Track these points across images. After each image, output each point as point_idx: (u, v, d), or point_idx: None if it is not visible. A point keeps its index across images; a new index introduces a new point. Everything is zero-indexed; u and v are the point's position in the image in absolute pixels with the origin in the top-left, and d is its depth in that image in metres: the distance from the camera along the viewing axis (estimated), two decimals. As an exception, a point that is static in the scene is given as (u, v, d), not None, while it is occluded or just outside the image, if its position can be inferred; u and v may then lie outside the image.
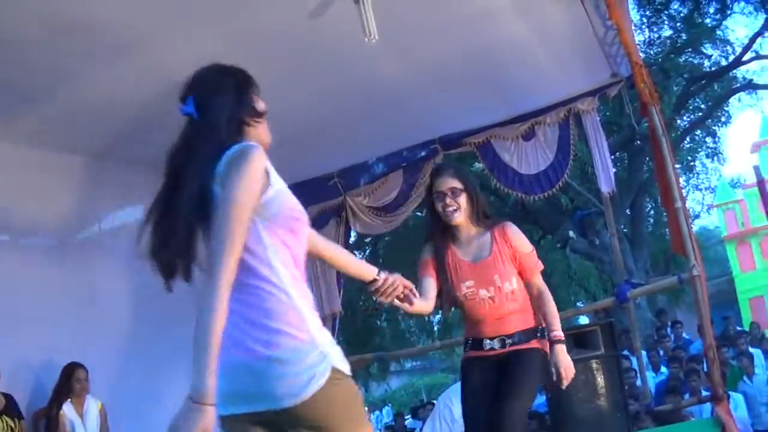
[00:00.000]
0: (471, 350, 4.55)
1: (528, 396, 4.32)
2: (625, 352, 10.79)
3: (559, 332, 4.32)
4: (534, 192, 8.97)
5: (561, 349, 4.28)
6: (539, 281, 4.46)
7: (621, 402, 7.58)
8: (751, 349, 12.95)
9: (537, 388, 4.53)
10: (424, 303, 4.29)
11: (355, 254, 22.16)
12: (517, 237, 4.44)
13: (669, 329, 15.46)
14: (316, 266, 9.69)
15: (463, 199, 4.38)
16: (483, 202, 4.53)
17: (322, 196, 9.71)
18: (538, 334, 4.47)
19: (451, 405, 8.52)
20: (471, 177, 4.54)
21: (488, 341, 4.41)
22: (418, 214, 19.90)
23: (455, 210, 4.37)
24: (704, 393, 9.23)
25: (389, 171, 9.58)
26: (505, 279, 4.38)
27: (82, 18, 5.53)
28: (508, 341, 4.37)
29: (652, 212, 25.97)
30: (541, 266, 4.51)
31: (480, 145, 9.09)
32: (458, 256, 4.49)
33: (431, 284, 4.49)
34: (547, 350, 4.43)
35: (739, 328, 16.48)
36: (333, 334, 9.31)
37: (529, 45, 7.55)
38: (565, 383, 4.28)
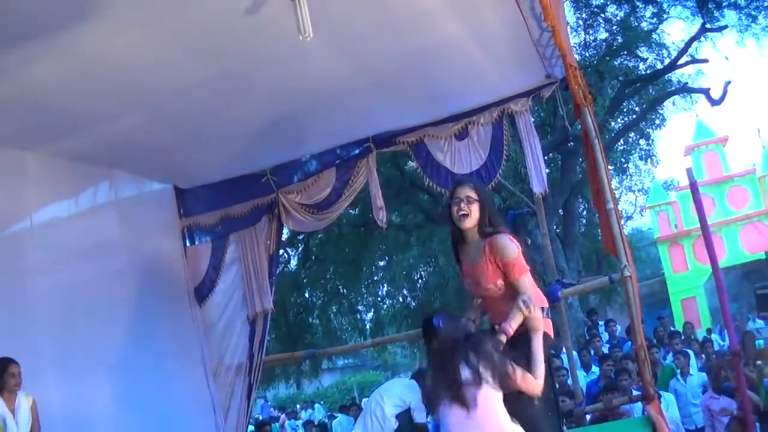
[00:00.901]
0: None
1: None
2: (553, 352, 10.86)
3: (507, 325, 4.83)
4: (467, 191, 8.96)
5: (500, 339, 4.77)
6: (519, 283, 5.03)
7: (553, 401, 7.59)
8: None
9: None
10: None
11: (287, 252, 22.12)
12: (500, 247, 5.04)
13: (603, 328, 15.64)
14: (248, 264, 9.65)
15: (474, 208, 4.98)
16: (494, 217, 5.18)
17: (255, 193, 9.65)
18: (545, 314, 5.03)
19: (382, 403, 8.45)
20: (489, 194, 5.29)
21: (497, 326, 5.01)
22: (351, 212, 19.94)
23: (466, 215, 4.99)
24: (635, 392, 9.33)
25: (322, 169, 9.52)
26: (491, 281, 5.05)
27: (4, 7, 5.41)
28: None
29: (585, 213, 26.24)
30: (522, 269, 5.07)
31: (413, 144, 9.07)
32: (463, 256, 5.22)
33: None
34: (549, 331, 5.03)
35: (672, 329, 16.73)
36: (265, 332, 9.34)
37: (464, 45, 7.56)
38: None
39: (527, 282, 5.05)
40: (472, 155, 8.87)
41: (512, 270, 5.01)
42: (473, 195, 5.00)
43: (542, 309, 5.02)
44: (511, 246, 5.05)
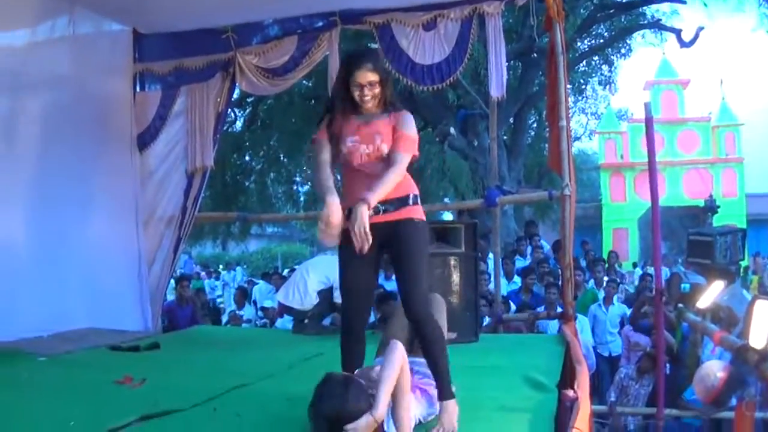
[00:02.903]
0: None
1: (424, 278, 4.43)
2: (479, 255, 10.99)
3: (371, 194, 4.27)
4: (424, 83, 8.95)
5: (362, 210, 4.19)
6: (400, 158, 4.46)
7: (473, 302, 7.74)
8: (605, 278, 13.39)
9: (426, 262, 4.54)
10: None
11: (234, 113, 21.95)
12: (405, 119, 4.57)
13: (528, 242, 15.80)
14: (195, 118, 9.58)
15: (378, 91, 4.51)
16: (392, 91, 4.66)
17: (213, 48, 9.53)
18: (410, 202, 4.53)
19: (306, 277, 8.56)
20: (386, 67, 4.75)
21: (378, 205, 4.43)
22: (305, 82, 19.78)
23: (370, 99, 4.52)
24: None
25: (284, 35, 9.41)
26: (385, 141, 4.50)
27: None
28: (382, 208, 4.39)
29: (535, 126, 26.29)
30: (410, 149, 4.54)
31: (380, 26, 8.98)
32: (352, 119, 4.61)
33: (327, 147, 4.69)
34: (423, 218, 4.59)
35: (594, 255, 16.97)
36: (201, 189, 9.33)
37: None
38: (358, 246, 4.19)
39: (405, 163, 4.50)
40: (435, 48, 8.82)
41: (403, 142, 4.51)
42: (375, 78, 4.50)
43: (416, 196, 4.61)
44: (414, 125, 4.64)
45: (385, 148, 4.47)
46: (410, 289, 4.33)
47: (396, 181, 4.39)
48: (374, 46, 9.11)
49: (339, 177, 5.14)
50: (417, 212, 4.54)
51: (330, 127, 4.65)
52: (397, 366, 3.91)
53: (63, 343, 7.45)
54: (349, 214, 4.29)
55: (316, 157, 4.67)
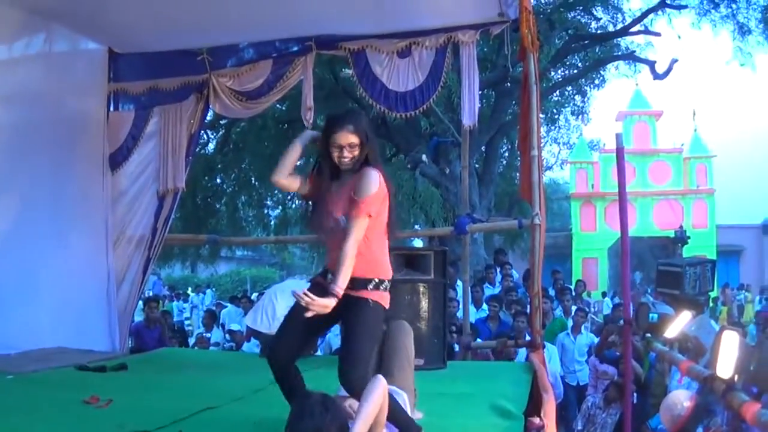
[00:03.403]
0: (319, 276, 4.65)
1: (365, 359, 4.33)
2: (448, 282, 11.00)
3: (337, 287, 4.23)
4: (397, 109, 8.99)
5: (329, 303, 4.18)
6: (351, 225, 4.36)
7: (441, 329, 7.74)
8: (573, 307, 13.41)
9: (373, 344, 4.48)
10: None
11: (207, 134, 21.92)
12: (361, 180, 4.42)
13: (498, 270, 15.83)
14: (167, 139, 9.58)
15: (357, 151, 4.46)
16: (374, 153, 4.57)
17: (188, 70, 9.55)
18: (371, 286, 4.43)
19: (275, 301, 8.55)
20: (368, 127, 4.58)
21: (330, 275, 4.41)
22: (279, 106, 19.81)
23: (349, 161, 4.47)
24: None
25: (259, 58, 9.46)
26: (341, 212, 4.46)
27: None
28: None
29: (506, 155, 26.42)
30: (363, 211, 4.37)
31: (354, 52, 9.04)
32: (332, 188, 4.57)
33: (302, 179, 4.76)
34: (382, 302, 4.49)
35: (563, 284, 17.01)
36: (172, 210, 9.31)
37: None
38: (307, 308, 4.15)
39: (359, 228, 4.37)
40: (410, 75, 8.88)
41: (353, 206, 4.38)
42: (356, 140, 4.43)
43: (381, 281, 4.50)
44: (373, 182, 4.41)
45: (343, 222, 4.45)
46: (347, 369, 4.24)
47: (351, 253, 4.30)
48: (349, 71, 9.14)
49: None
50: (375, 295, 4.45)
51: (316, 176, 4.70)
52: (377, 402, 3.90)
53: (30, 361, 7.40)
54: (324, 273, 4.53)
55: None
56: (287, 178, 4.72)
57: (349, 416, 3.87)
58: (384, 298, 4.50)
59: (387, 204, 4.54)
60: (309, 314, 4.14)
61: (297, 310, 4.37)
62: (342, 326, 4.49)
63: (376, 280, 4.46)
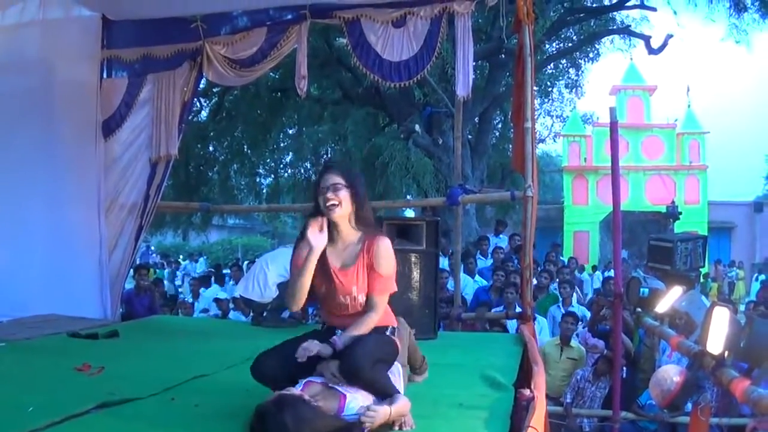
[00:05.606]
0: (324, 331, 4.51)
1: (370, 358, 4.11)
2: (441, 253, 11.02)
3: (340, 340, 4.17)
4: (392, 79, 8.97)
5: (325, 347, 4.12)
6: (377, 301, 4.33)
7: (432, 300, 7.74)
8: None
9: (379, 355, 4.21)
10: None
11: (200, 102, 21.88)
12: (381, 255, 4.34)
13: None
14: (160, 107, 9.55)
15: (343, 194, 4.32)
16: (367, 206, 4.47)
17: (182, 37, 9.54)
18: (388, 332, 4.42)
19: (266, 269, 8.56)
20: (358, 177, 4.47)
21: (339, 331, 4.31)
22: (272, 75, 19.75)
23: (336, 205, 4.31)
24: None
25: (253, 26, 9.43)
26: (362, 291, 4.35)
27: None
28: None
29: (500, 126, 26.40)
30: (387, 289, 4.38)
31: (349, 22, 9.01)
32: (329, 259, 4.41)
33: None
34: (398, 344, 4.48)
35: (561, 260, 17.09)
36: (164, 177, 9.29)
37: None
38: (299, 356, 4.05)
39: (382, 306, 4.38)
40: (404, 45, 8.86)
41: (379, 284, 4.34)
42: (340, 181, 4.32)
43: (395, 329, 4.52)
44: (392, 257, 4.40)
45: (362, 299, 4.35)
46: (351, 360, 4.06)
47: (371, 326, 4.29)
48: (343, 40, 9.11)
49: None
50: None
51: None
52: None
53: (22, 329, 7.41)
54: (327, 330, 4.43)
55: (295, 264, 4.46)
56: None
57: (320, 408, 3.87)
58: (399, 343, 4.51)
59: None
60: (301, 356, 4.07)
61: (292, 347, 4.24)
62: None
63: (392, 328, 4.48)
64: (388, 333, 4.43)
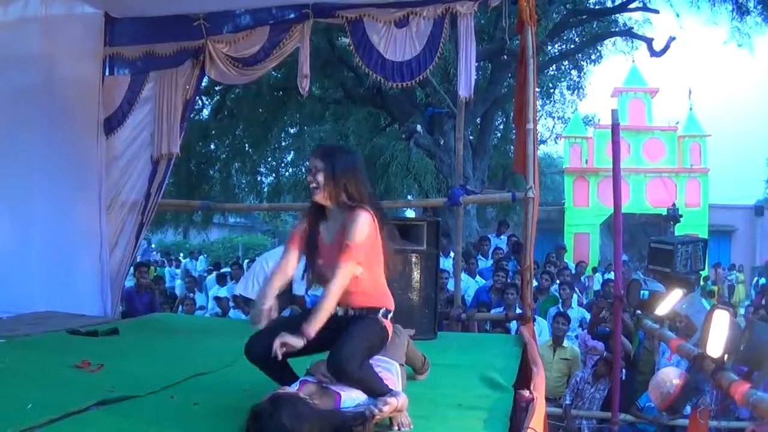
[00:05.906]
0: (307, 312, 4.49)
1: (358, 357, 4.13)
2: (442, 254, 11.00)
3: (309, 327, 4.11)
4: (394, 79, 8.97)
5: (297, 342, 4.08)
6: (339, 271, 4.24)
7: (432, 300, 7.74)
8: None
9: (368, 352, 4.24)
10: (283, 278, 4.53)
11: (202, 100, 21.88)
12: (351, 223, 4.31)
13: (494, 238, 15.92)
14: (162, 104, 9.55)
15: (320, 178, 4.36)
16: (355, 182, 4.40)
17: (184, 35, 9.52)
18: (380, 314, 4.40)
19: (266, 268, 8.55)
20: (340, 157, 4.45)
21: (338, 308, 4.34)
22: (275, 74, 19.75)
23: (316, 188, 4.39)
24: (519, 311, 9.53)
25: (255, 25, 9.43)
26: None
27: None
28: (351, 312, 4.37)
29: (501, 127, 26.41)
30: (353, 258, 4.27)
31: (352, 21, 9.01)
32: (321, 234, 4.53)
33: (293, 256, 4.57)
34: (388, 328, 4.45)
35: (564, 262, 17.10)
36: (165, 175, 9.30)
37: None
38: (274, 350, 4.06)
39: (347, 275, 4.28)
40: (407, 45, 8.86)
41: (344, 252, 4.25)
42: (318, 164, 4.35)
43: (388, 311, 4.47)
44: (363, 227, 4.31)
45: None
46: (338, 361, 4.06)
47: (333, 299, 4.24)
48: (345, 40, 9.12)
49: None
50: (383, 321, 4.43)
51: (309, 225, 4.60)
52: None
53: (22, 325, 7.40)
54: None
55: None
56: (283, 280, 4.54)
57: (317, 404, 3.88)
58: (390, 327, 4.48)
59: (379, 240, 4.46)
60: (278, 351, 4.07)
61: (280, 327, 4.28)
62: (344, 330, 4.27)
63: (384, 310, 4.44)
64: (380, 315, 4.41)
